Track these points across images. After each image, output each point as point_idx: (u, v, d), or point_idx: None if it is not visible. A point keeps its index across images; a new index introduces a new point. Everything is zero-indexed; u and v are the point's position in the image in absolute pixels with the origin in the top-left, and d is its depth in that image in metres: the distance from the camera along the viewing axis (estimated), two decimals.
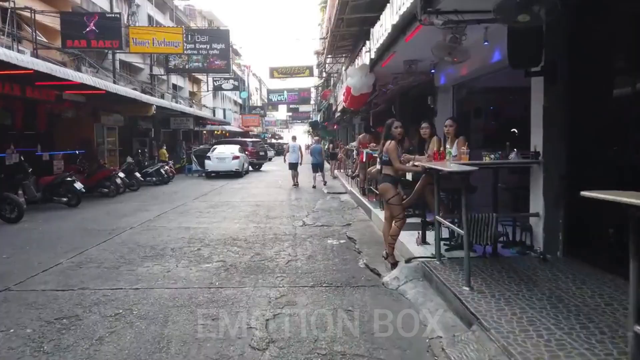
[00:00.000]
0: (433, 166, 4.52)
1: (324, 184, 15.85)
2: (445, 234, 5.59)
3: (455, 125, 5.45)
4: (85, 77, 12.19)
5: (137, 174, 15.41)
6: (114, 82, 17.64)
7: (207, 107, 35.25)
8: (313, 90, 46.99)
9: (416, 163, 5.52)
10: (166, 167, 18.09)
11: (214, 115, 36.22)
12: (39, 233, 8.12)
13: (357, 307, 4.32)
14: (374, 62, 8.40)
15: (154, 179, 17.17)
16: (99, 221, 9.24)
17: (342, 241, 7.22)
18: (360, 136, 12.54)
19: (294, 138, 18.04)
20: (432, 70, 8.09)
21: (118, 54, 19.50)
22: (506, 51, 5.62)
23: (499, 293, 3.93)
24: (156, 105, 17.81)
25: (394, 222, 5.40)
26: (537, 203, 5.05)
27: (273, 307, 4.33)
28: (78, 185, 11.52)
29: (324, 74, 32.32)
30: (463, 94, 8.87)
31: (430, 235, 5.98)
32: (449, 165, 4.44)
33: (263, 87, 67.77)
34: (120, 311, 4.26)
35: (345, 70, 15.34)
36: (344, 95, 11.98)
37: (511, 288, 4.06)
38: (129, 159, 16.65)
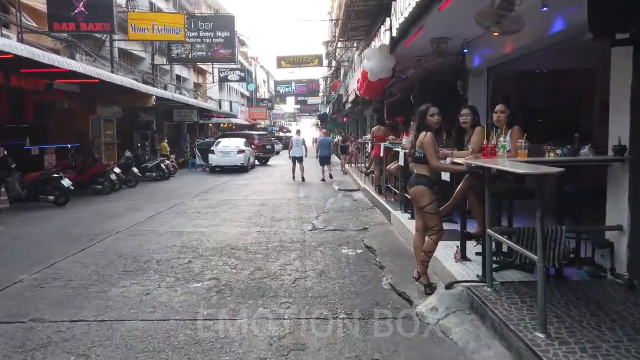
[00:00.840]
0: (493, 166, 3.37)
1: (330, 177, 15.45)
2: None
3: (507, 112, 4.30)
4: (74, 64, 11.14)
5: (135, 169, 14.37)
6: (112, 72, 16.61)
7: (212, 99, 34.18)
8: (322, 81, 45.78)
9: (457, 159, 4.39)
10: (167, 161, 17.05)
11: (220, 107, 35.17)
12: (10, 239, 7.10)
13: (388, 353, 3.22)
14: (395, 41, 7.23)
15: (153, 174, 16.15)
16: (83, 224, 8.22)
17: (359, 251, 6.12)
18: (374, 128, 11.33)
19: (298, 132, 17.53)
20: (465, 50, 6.92)
21: (117, 42, 18.46)
22: (570, 18, 4.48)
23: (591, 345, 2.80)
24: (156, 96, 16.75)
25: (428, 234, 4.29)
26: (618, 212, 3.90)
27: (275, 354, 3.24)
28: (66, 182, 10.52)
29: (334, 63, 31.09)
30: (493, 78, 7.71)
31: (471, 249, 4.88)
32: (514, 165, 3.30)
33: (271, 79, 66.56)
34: (72, 359, 3.20)
35: (359, 55, 14.15)
36: (358, 82, 10.82)
37: (604, 335, 2.94)
38: (127, 153, 15.65)
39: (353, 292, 4.48)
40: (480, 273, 4.21)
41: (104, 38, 16.91)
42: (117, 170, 13.19)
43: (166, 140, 20.73)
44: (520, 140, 3.96)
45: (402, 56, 8.21)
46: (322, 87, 47.02)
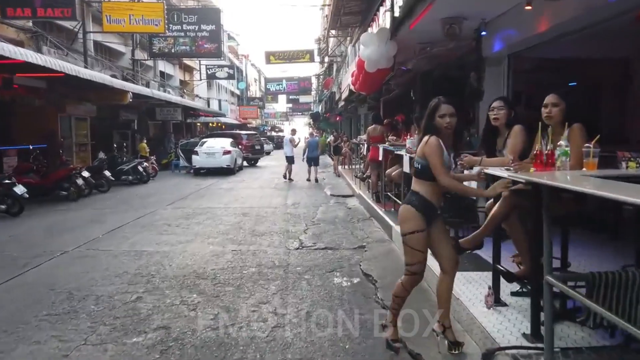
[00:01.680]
0: (575, 188, 2.14)
1: (316, 181, 14.81)
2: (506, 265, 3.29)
3: (562, 105, 3.09)
4: (31, 55, 9.79)
5: (107, 173, 13.04)
6: (85, 66, 15.25)
7: (200, 98, 32.80)
8: (314, 79, 44.58)
9: (488, 170, 3.19)
10: (145, 163, 15.72)
11: (209, 106, 33.81)
12: None
13: None
14: (398, 23, 6.02)
15: (130, 177, 14.79)
16: (28, 240, 6.95)
17: (355, 280, 4.91)
18: (370, 128, 10.05)
19: (292, 131, 16.62)
20: (483, 33, 5.71)
21: (92, 35, 17.08)
22: None
23: None
24: (134, 94, 15.43)
25: (404, 274, 3.12)
26: None
27: None
28: (19, 189, 9.20)
29: (326, 60, 29.86)
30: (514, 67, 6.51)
31: (503, 286, 3.67)
32: (603, 186, 2.08)
33: (262, 77, 65.17)
34: None
35: (353, 46, 12.92)
36: (352, 75, 9.60)
37: None
38: (101, 155, 14.32)
39: (349, 353, 3.26)
40: (526, 329, 3.02)
41: (76, 29, 15.55)
42: (85, 174, 11.85)
43: (145, 141, 19.36)
44: (587, 145, 2.76)
45: (404, 43, 7.00)
46: (314, 85, 45.82)
